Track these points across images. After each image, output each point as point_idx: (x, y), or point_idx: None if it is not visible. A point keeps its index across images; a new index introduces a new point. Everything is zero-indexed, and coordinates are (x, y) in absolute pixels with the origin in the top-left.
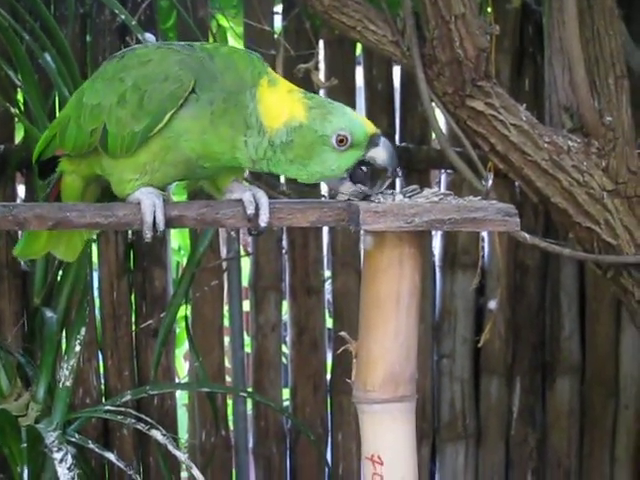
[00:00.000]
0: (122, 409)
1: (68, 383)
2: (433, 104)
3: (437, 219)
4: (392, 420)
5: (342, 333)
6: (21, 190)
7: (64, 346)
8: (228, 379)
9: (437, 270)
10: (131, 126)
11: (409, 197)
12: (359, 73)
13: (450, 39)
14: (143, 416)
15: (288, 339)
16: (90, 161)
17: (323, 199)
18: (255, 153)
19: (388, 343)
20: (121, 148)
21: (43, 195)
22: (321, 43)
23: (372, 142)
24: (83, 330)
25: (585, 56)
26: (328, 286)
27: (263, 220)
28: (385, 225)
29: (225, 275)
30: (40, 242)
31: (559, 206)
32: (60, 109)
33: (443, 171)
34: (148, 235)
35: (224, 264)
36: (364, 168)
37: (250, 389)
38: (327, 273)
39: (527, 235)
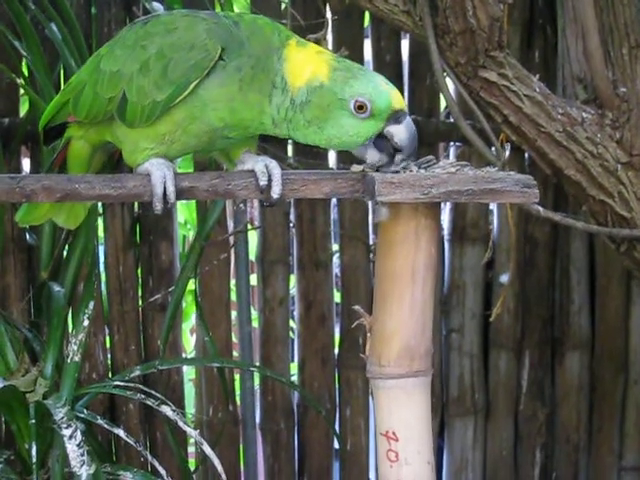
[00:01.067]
0: (130, 384)
1: (76, 358)
2: (445, 75)
3: (454, 190)
4: (407, 395)
5: (356, 307)
6: (26, 164)
7: (70, 321)
8: (235, 354)
9: (446, 243)
10: (153, 95)
11: (424, 168)
12: (367, 45)
13: (463, 8)
14: (152, 391)
15: (296, 313)
16: (102, 128)
17: (337, 171)
18: (277, 113)
19: (403, 317)
20: (140, 117)
21: (49, 162)
22: (328, 15)
23: (394, 117)
24: (91, 304)
25: (599, 26)
26: (336, 260)
27: (275, 192)
28: (401, 196)
29: (232, 249)
30: (42, 209)
31: (572, 178)
32: (66, 80)
33: (452, 144)
34: (158, 207)
35: (231, 238)
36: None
37: (258, 364)
38: (335, 246)
39: (541, 208)
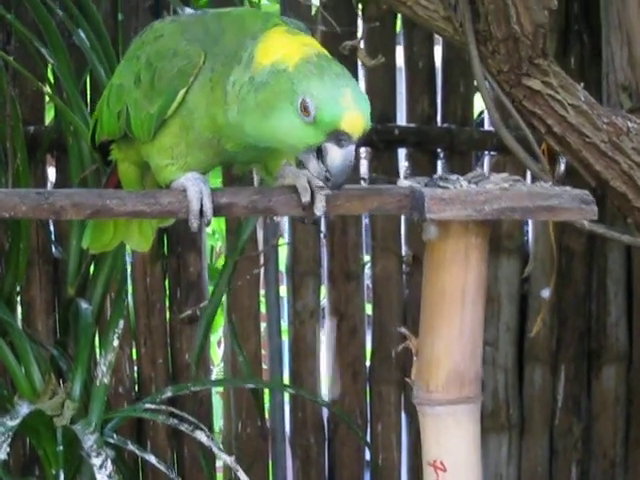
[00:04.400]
0: (162, 407)
1: (106, 380)
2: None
3: (508, 207)
4: (456, 423)
5: (402, 329)
6: (51, 172)
7: (97, 338)
8: (264, 366)
9: None
10: (146, 107)
11: (475, 183)
12: (399, 52)
13: (506, 14)
14: (185, 414)
15: (326, 326)
16: (135, 147)
17: (382, 186)
18: (232, 87)
19: (453, 340)
20: (142, 132)
21: (102, 185)
22: (360, 21)
23: (336, 137)
24: (121, 323)
25: None
26: (367, 271)
27: (319, 209)
28: (452, 214)
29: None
30: (109, 233)
31: (618, 190)
32: (93, 88)
33: (486, 152)
34: (194, 224)
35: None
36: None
37: (287, 378)
38: (366, 257)
39: (585, 221)
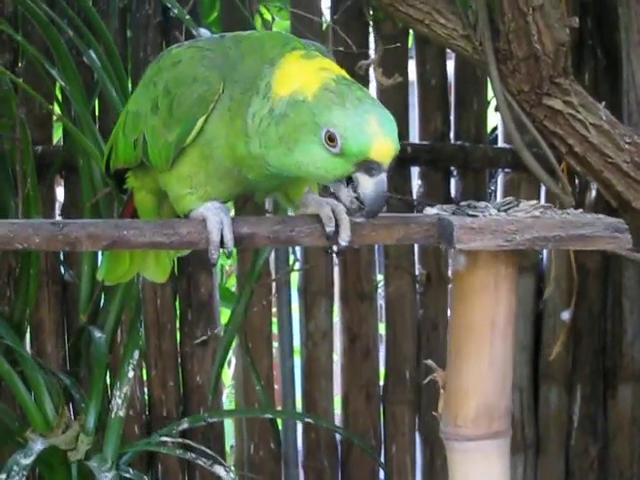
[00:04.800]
0: (179, 440)
1: (121, 413)
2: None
3: (540, 237)
4: (485, 459)
5: (428, 361)
6: (60, 192)
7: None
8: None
9: None
10: (164, 135)
11: (505, 211)
12: (411, 67)
13: (527, 33)
14: (201, 447)
15: (339, 346)
16: (152, 175)
17: (409, 214)
18: (252, 121)
19: (482, 373)
20: (160, 160)
21: (118, 214)
22: (371, 37)
23: (366, 167)
24: (136, 354)
25: None
26: (380, 291)
27: (344, 239)
28: (482, 243)
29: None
30: (125, 263)
31: None
32: (103, 109)
33: (500, 170)
34: (214, 255)
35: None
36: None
37: (300, 400)
38: (379, 277)
39: None
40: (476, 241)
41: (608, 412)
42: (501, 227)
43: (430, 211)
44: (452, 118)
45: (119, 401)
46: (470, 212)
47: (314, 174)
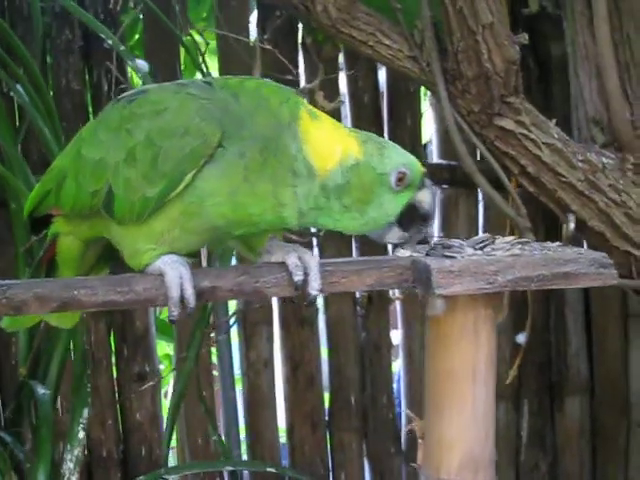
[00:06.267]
0: None
1: (74, 478)
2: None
3: (523, 277)
4: None
5: (407, 411)
6: None
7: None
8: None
9: None
10: (143, 190)
11: (481, 249)
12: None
13: (477, 52)
14: None
15: (281, 375)
16: (94, 222)
17: (380, 257)
18: (306, 203)
19: (465, 423)
20: (130, 214)
21: (36, 260)
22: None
23: (422, 184)
24: (86, 412)
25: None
26: (321, 315)
27: (314, 288)
28: (463, 287)
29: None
30: None
31: (596, 229)
32: (32, 144)
33: (437, 187)
34: (175, 313)
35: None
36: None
37: (244, 429)
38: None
39: None
40: (456, 285)
41: (556, 426)
42: (481, 269)
43: (402, 253)
44: (386, 135)
45: (71, 465)
46: (446, 253)
47: (382, 223)
